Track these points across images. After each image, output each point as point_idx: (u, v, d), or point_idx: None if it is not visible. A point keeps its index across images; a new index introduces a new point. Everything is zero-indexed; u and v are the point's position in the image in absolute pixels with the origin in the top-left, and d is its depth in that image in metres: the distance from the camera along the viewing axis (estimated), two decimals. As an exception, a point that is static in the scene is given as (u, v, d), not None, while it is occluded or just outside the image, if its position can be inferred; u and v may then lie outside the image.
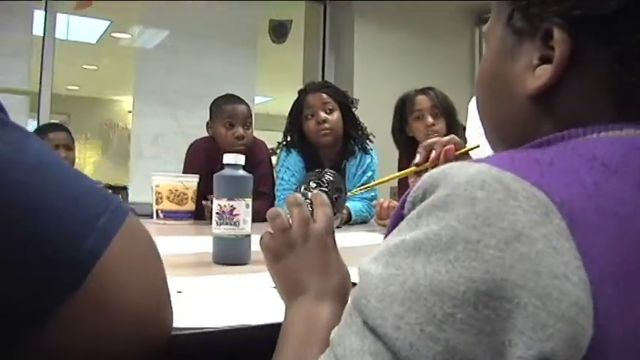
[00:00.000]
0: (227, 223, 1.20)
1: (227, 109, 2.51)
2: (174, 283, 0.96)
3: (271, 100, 8.73)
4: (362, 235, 2.01)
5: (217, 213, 1.21)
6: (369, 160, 2.52)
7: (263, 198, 2.47)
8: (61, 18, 3.84)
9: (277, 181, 2.53)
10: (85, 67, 7.41)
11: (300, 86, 4.67)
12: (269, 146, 2.80)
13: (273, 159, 3.14)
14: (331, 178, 0.90)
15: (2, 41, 3.32)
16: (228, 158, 1.22)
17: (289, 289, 0.68)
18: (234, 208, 1.20)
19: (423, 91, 2.48)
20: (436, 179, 0.44)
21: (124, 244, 0.52)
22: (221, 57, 4.09)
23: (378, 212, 2.17)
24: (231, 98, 2.57)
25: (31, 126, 3.62)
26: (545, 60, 0.52)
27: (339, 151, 2.51)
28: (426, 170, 0.90)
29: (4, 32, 3.32)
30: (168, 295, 0.61)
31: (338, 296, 0.65)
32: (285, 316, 0.67)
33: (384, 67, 4.33)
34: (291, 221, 0.70)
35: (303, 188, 0.85)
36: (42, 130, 2.74)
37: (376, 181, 1.79)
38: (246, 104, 2.57)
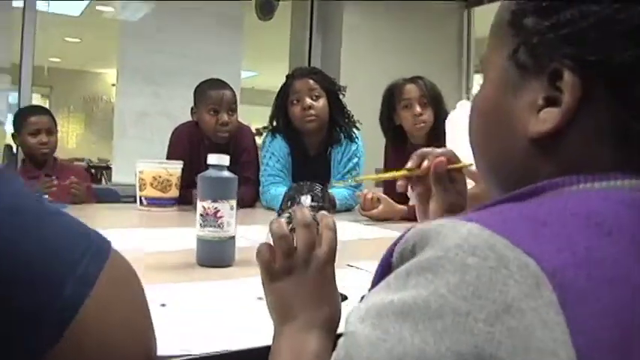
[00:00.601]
0: (211, 225, 1.19)
1: (211, 95, 2.47)
2: (158, 292, 0.96)
3: (257, 75, 8.66)
4: (345, 226, 2.00)
5: (201, 215, 1.20)
6: (354, 148, 2.50)
7: (247, 184, 2.46)
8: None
9: (262, 167, 2.51)
10: (67, 39, 7.29)
11: (286, 62, 4.70)
12: (253, 122, 2.77)
13: (258, 140, 3.12)
14: (322, 194, 0.88)
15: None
16: (212, 159, 1.21)
17: (280, 313, 0.67)
18: (219, 210, 1.19)
19: (412, 80, 2.46)
20: (426, 235, 0.43)
21: (107, 288, 0.51)
22: (207, 34, 4.03)
23: (362, 203, 2.17)
24: (216, 83, 2.53)
25: (12, 98, 3.57)
26: (550, 101, 0.50)
27: (324, 138, 2.50)
28: (416, 177, 0.89)
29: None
30: (155, 339, 0.59)
31: (327, 327, 0.65)
32: (273, 339, 0.66)
33: (371, 49, 4.30)
34: (295, 242, 0.68)
35: (295, 203, 0.82)
36: (23, 114, 2.68)
37: (365, 177, 1.78)
38: (231, 89, 2.54)
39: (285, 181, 2.45)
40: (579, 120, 0.48)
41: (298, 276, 0.67)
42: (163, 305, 0.90)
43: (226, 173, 1.21)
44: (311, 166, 2.50)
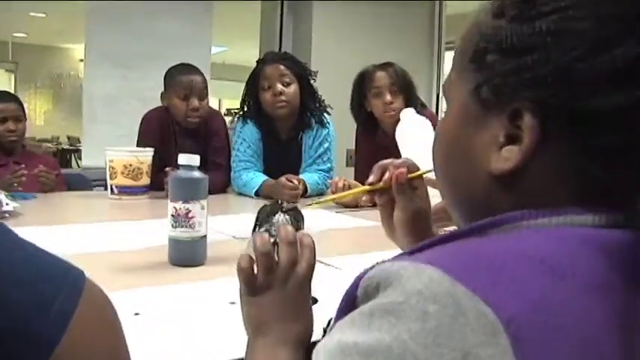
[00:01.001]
0: (183, 226, 1.20)
1: (182, 80, 2.44)
2: (131, 299, 0.97)
3: (227, 50, 8.58)
4: (317, 214, 2.02)
5: (172, 215, 1.20)
6: (325, 132, 2.51)
7: (219, 170, 2.47)
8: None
9: (233, 152, 2.51)
10: (32, 14, 7.11)
11: (257, 39, 4.66)
12: (224, 96, 2.76)
13: (228, 121, 3.11)
14: (298, 214, 0.89)
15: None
16: (182, 159, 1.21)
17: (256, 326, 0.69)
18: (190, 211, 1.20)
19: (383, 67, 2.46)
20: (390, 277, 0.44)
21: (82, 326, 0.51)
22: (175, 13, 3.97)
23: (332, 191, 2.18)
24: (187, 68, 2.50)
25: None
26: (511, 139, 0.51)
27: (295, 123, 2.50)
28: (380, 189, 0.91)
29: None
30: None
31: (300, 343, 0.67)
32: (246, 352, 0.68)
33: (342, 27, 4.28)
34: (276, 257, 0.69)
35: (273, 221, 0.83)
36: None
37: (330, 197, 1.79)
38: (202, 74, 2.51)
39: (257, 167, 2.46)
40: (539, 158, 0.50)
41: (277, 292, 0.68)
42: (137, 314, 0.91)
43: (197, 173, 1.22)
44: (282, 150, 2.51)
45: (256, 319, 0.69)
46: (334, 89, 2.68)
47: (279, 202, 0.88)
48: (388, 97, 2.39)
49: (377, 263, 0.49)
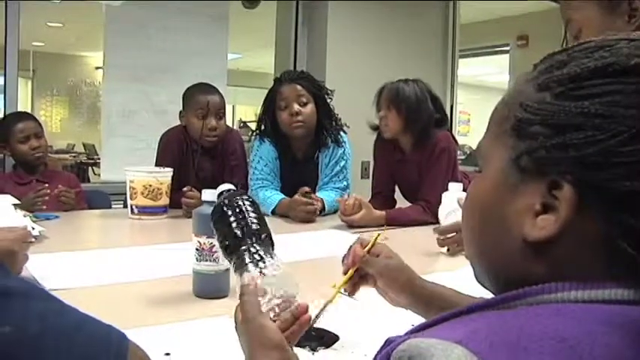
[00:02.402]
0: (207, 260, 1.24)
1: (200, 100, 2.48)
2: (160, 337, 1.01)
3: (241, 58, 8.64)
4: (332, 235, 2.05)
5: (197, 249, 1.24)
6: (341, 151, 2.54)
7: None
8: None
9: (251, 171, 2.54)
10: (49, 24, 7.21)
11: (271, 47, 4.70)
12: (238, 103, 2.80)
13: (244, 135, 3.14)
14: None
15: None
16: (206, 195, 1.24)
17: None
18: (214, 245, 1.23)
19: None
20: (423, 352, 0.47)
21: None
22: (192, 26, 4.00)
23: (341, 209, 2.21)
24: (205, 88, 2.54)
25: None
26: (547, 208, 0.53)
27: (311, 142, 2.53)
28: (352, 275, 0.97)
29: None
30: None
31: None
32: None
33: (357, 37, 4.31)
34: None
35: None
36: (7, 123, 2.66)
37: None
38: (220, 93, 2.55)
39: (274, 185, 2.49)
40: (572, 230, 0.52)
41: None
42: (167, 354, 0.95)
43: (221, 209, 1.24)
44: (299, 169, 2.54)
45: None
46: (348, 97, 2.71)
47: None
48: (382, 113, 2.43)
49: (408, 336, 0.52)
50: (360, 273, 0.98)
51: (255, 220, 0.89)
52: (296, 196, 2.30)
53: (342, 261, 1.00)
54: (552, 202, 0.52)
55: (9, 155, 2.66)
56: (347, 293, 0.98)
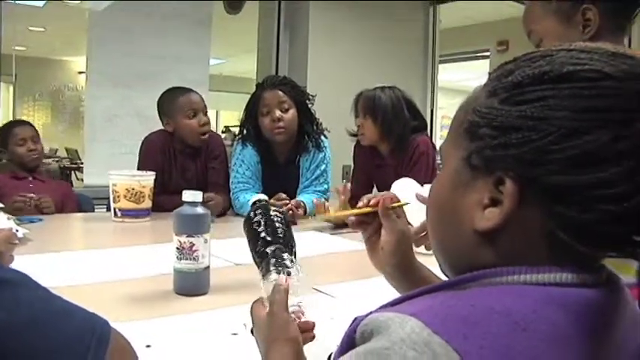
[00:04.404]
0: (187, 258, 1.28)
1: (184, 100, 2.55)
2: (141, 330, 1.05)
3: (224, 63, 8.67)
4: (312, 237, 2.10)
5: (177, 248, 1.28)
6: (322, 156, 2.59)
7: (220, 191, 2.53)
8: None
9: (232, 174, 2.58)
10: (31, 28, 7.20)
11: (254, 52, 4.74)
12: (221, 108, 2.84)
13: (225, 138, 3.18)
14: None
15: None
16: (186, 196, 1.28)
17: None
18: (194, 244, 1.27)
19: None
20: (381, 326, 0.53)
21: None
22: (175, 31, 4.04)
23: (315, 209, 2.30)
24: (183, 90, 2.61)
25: None
26: (494, 201, 0.59)
27: (293, 147, 2.58)
28: (368, 212, 0.99)
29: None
30: None
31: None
32: None
33: (338, 42, 4.37)
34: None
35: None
36: (7, 127, 2.83)
37: (327, 216, 1.86)
38: (197, 92, 2.64)
39: (255, 188, 2.53)
40: (516, 221, 0.58)
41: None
42: (148, 346, 0.99)
43: (200, 209, 1.29)
44: (280, 173, 2.58)
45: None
46: (330, 102, 2.76)
47: (286, 248, 0.97)
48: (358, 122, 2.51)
49: (371, 312, 0.57)
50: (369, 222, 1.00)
51: (282, 230, 0.97)
52: (271, 201, 2.34)
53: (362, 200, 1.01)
54: (498, 196, 0.59)
55: (7, 159, 2.75)
56: (352, 221, 1.01)
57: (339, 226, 2.21)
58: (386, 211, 0.97)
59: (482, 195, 0.60)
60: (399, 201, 1.00)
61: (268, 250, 0.94)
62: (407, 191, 1.67)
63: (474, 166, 0.61)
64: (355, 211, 1.01)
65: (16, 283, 0.58)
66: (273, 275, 0.87)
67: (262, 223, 0.98)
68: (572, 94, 0.57)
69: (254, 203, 1.05)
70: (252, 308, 0.87)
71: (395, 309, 0.56)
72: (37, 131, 2.81)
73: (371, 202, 0.99)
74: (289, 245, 0.97)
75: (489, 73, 0.67)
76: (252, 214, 1.00)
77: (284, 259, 0.91)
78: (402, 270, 0.96)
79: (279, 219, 1.00)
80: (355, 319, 0.60)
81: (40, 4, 5.97)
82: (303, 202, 2.44)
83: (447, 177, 0.66)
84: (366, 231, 1.01)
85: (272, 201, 2.29)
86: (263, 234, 0.96)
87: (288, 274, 0.88)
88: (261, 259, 0.94)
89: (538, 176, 0.56)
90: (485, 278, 0.59)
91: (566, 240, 0.57)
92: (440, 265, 0.72)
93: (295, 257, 0.95)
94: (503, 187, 0.58)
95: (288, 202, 2.36)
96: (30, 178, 2.70)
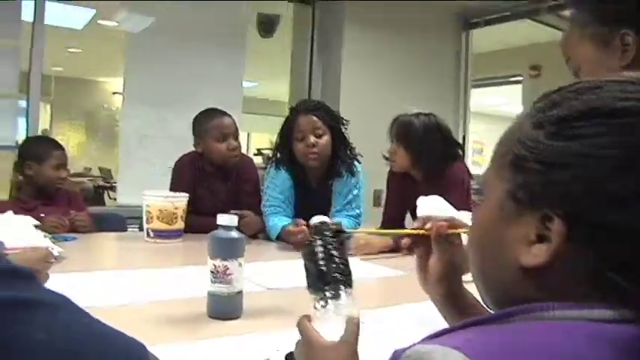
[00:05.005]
0: (221, 282, 1.27)
1: (216, 124, 2.58)
2: (176, 353, 1.05)
3: (257, 86, 8.75)
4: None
5: (212, 272, 1.28)
6: (354, 180, 2.57)
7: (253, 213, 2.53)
8: (49, 5, 3.81)
9: (264, 197, 2.58)
10: (70, 50, 7.38)
11: (286, 75, 4.77)
12: (254, 130, 2.85)
13: (258, 161, 3.19)
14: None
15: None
16: (222, 219, 1.28)
17: None
18: (228, 268, 1.27)
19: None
20: (424, 357, 0.52)
21: None
22: (209, 54, 4.10)
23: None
24: (216, 112, 2.64)
25: (21, 105, 3.64)
26: (540, 237, 0.57)
27: (326, 171, 2.57)
28: (421, 235, 0.97)
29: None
30: None
31: None
32: None
33: (371, 67, 4.39)
34: None
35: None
36: (47, 146, 2.71)
37: (371, 231, 1.83)
38: (230, 115, 2.66)
39: (286, 212, 2.52)
40: (564, 258, 0.56)
41: None
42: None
43: (235, 233, 1.29)
44: (312, 197, 2.57)
45: None
46: (362, 125, 2.75)
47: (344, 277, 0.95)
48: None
49: (414, 344, 0.56)
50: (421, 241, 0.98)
51: (340, 259, 0.94)
52: (289, 227, 2.32)
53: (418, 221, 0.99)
54: (545, 232, 0.57)
55: (30, 175, 2.63)
56: (406, 244, 0.99)
57: (368, 253, 2.19)
58: (438, 238, 0.95)
59: (527, 230, 0.59)
60: (456, 227, 0.97)
61: (328, 279, 0.92)
62: (432, 208, 1.64)
63: (519, 200, 0.60)
64: (407, 231, 0.99)
65: (57, 305, 0.58)
66: (321, 305, 0.86)
67: (321, 250, 0.95)
68: (624, 130, 0.55)
69: (314, 227, 1.04)
70: (305, 330, 0.84)
71: (438, 341, 0.54)
72: (66, 156, 2.73)
73: (426, 226, 0.98)
74: (347, 274, 0.95)
75: (533, 102, 0.65)
76: (311, 239, 0.98)
77: (340, 291, 0.89)
78: (449, 297, 0.94)
79: (336, 246, 0.97)
80: (395, 351, 0.58)
81: (80, 26, 6.10)
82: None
83: (491, 209, 0.65)
84: (417, 252, 0.99)
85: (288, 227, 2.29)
86: (321, 262, 0.93)
87: (336, 305, 0.86)
88: (319, 287, 0.92)
89: (588, 215, 0.55)
90: (532, 312, 0.57)
91: (613, 278, 0.55)
92: (480, 294, 0.70)
93: (351, 287, 0.93)
94: (551, 223, 0.56)
95: (305, 227, 2.32)
96: (39, 206, 2.58)
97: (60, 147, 2.73)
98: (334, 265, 0.91)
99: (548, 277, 0.58)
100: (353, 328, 0.81)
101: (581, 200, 0.55)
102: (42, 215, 2.34)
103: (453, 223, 0.97)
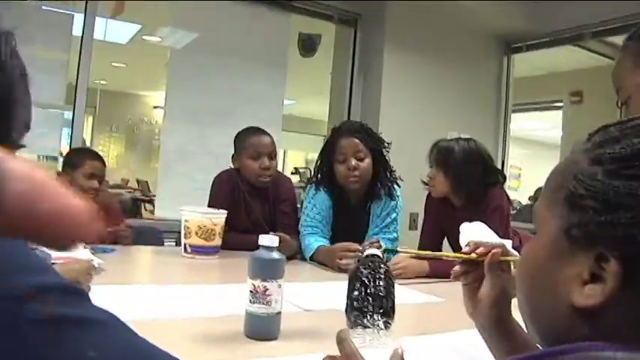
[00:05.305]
0: (260, 302, 1.27)
1: (252, 141, 2.59)
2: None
3: (295, 103, 8.80)
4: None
5: (251, 292, 1.28)
6: (393, 204, 2.55)
7: (289, 234, 2.53)
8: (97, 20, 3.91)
9: (303, 217, 2.58)
10: (114, 64, 7.54)
11: (325, 94, 4.78)
12: (290, 147, 2.85)
13: (295, 180, 3.19)
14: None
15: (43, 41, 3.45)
16: (263, 240, 1.28)
17: None
18: (267, 289, 1.27)
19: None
20: None
21: None
22: (251, 72, 4.14)
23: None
24: (256, 130, 2.66)
25: (65, 116, 3.71)
26: (594, 277, 0.56)
27: (365, 193, 2.56)
28: (474, 260, 0.96)
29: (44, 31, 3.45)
30: None
31: None
32: None
33: (411, 90, 4.37)
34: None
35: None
36: (84, 155, 2.75)
37: (425, 253, 1.80)
38: (270, 136, 2.66)
39: (323, 233, 2.52)
40: (618, 301, 0.54)
41: None
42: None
43: (276, 254, 1.29)
44: (350, 218, 2.56)
45: None
46: (400, 148, 2.73)
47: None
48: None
49: None
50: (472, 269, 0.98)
51: (382, 291, 0.96)
52: (337, 244, 2.33)
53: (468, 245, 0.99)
54: (600, 272, 0.55)
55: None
56: (457, 272, 0.98)
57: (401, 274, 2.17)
58: (492, 265, 0.94)
59: (581, 269, 0.57)
60: (507, 254, 0.96)
61: (361, 308, 0.92)
62: (477, 234, 1.61)
63: (574, 238, 0.58)
64: (459, 255, 0.98)
65: (106, 323, 0.58)
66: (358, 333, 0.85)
67: (368, 279, 0.96)
68: None
69: (367, 257, 1.05)
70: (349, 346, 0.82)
71: None
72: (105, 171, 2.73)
73: (478, 251, 0.97)
74: (391, 305, 0.95)
75: (589, 135, 0.63)
76: (361, 268, 0.99)
77: (381, 321, 0.90)
78: (497, 325, 0.92)
79: (385, 278, 0.98)
80: None
81: (124, 40, 6.24)
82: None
83: (543, 245, 0.63)
84: (466, 278, 0.98)
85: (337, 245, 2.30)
86: (370, 290, 0.95)
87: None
88: (352, 313, 0.93)
89: None
90: (578, 352, 0.55)
91: None
92: (528, 331, 0.69)
93: (391, 320, 0.93)
94: (606, 264, 0.55)
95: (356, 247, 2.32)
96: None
97: (97, 157, 2.74)
98: (381, 294, 0.92)
99: (601, 318, 0.56)
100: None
101: (638, 244, 0.53)
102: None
103: (504, 250, 0.96)
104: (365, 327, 0.87)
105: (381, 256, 1.04)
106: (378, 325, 0.88)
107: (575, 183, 0.59)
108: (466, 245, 1.00)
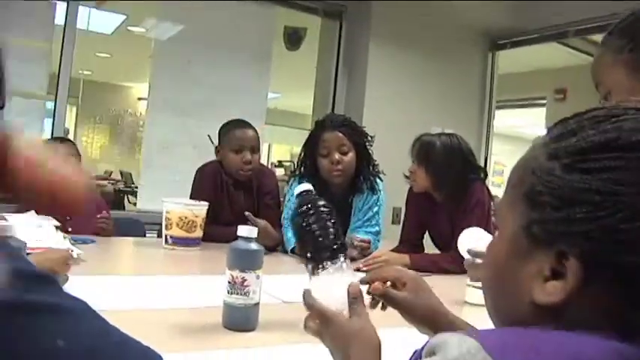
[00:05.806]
0: (238, 293, 1.27)
1: (235, 135, 2.58)
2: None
3: (279, 97, 8.78)
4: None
5: (229, 282, 1.28)
6: (375, 198, 2.56)
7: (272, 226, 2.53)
8: (81, 10, 3.88)
9: (285, 210, 2.58)
10: (99, 54, 7.48)
11: (310, 88, 4.78)
12: (275, 141, 2.85)
13: (279, 172, 3.19)
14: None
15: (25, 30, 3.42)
16: (241, 231, 1.28)
17: None
18: (246, 280, 1.27)
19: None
20: (440, 344, 0.53)
21: None
22: (235, 65, 4.13)
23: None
24: (240, 123, 2.64)
25: (48, 106, 3.68)
26: (555, 273, 0.55)
27: (347, 187, 2.56)
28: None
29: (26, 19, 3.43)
30: None
31: None
32: None
33: (396, 84, 4.38)
34: None
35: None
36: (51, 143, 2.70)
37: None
38: (254, 129, 2.64)
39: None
40: (579, 297, 0.54)
41: None
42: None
43: (254, 245, 1.29)
44: (333, 211, 2.56)
45: None
46: (384, 142, 2.74)
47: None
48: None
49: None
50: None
51: (333, 228, 0.97)
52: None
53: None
54: (560, 269, 0.55)
55: None
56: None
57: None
58: (384, 298, 0.98)
59: (542, 266, 0.56)
60: (385, 281, 0.99)
61: (323, 247, 0.94)
62: (473, 240, 1.65)
63: (534, 235, 0.57)
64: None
65: (77, 311, 0.58)
66: (328, 275, 0.91)
67: (313, 219, 0.97)
68: None
69: (302, 194, 1.05)
70: (316, 306, 0.90)
71: (462, 332, 0.54)
72: (79, 153, 2.73)
73: (370, 290, 0.98)
74: (341, 243, 0.96)
75: (548, 129, 0.62)
76: (304, 208, 0.99)
77: (338, 259, 0.93)
78: (436, 326, 0.94)
79: (328, 214, 0.99)
80: (415, 351, 0.58)
81: (109, 31, 6.19)
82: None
83: (504, 243, 0.62)
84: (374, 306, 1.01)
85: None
86: (318, 232, 0.96)
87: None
88: (313, 256, 0.94)
89: (605, 255, 0.52)
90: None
91: (632, 318, 0.53)
92: (494, 326, 0.68)
93: (346, 254, 0.95)
94: (567, 261, 0.54)
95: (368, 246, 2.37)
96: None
97: (66, 141, 2.76)
98: (331, 234, 0.93)
99: (563, 314, 0.56)
100: (356, 307, 0.87)
101: (599, 241, 0.52)
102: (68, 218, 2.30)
103: (383, 276, 1.00)
104: (322, 268, 0.90)
105: (313, 190, 1.05)
106: (330, 263, 0.91)
107: (533, 179, 0.58)
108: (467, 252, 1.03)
